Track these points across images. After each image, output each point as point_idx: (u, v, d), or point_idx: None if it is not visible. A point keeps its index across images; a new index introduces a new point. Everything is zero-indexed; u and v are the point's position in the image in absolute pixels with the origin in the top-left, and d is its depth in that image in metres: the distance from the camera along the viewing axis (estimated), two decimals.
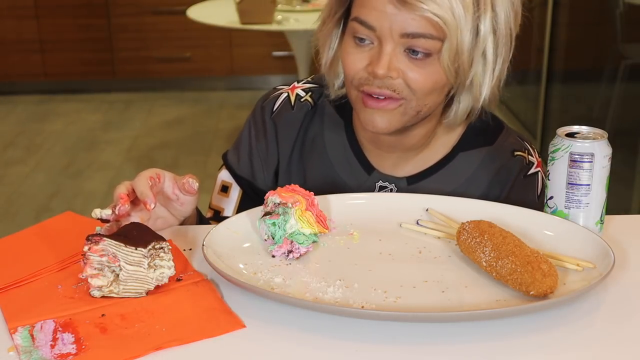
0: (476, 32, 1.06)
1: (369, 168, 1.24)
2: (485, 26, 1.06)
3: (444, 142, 1.23)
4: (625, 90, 3.42)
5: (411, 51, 1.07)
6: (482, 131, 1.23)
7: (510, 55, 1.13)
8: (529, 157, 1.23)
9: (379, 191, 1.24)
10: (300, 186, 1.17)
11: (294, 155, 1.28)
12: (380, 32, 1.06)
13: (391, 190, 1.23)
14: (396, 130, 1.13)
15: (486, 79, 1.10)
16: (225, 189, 1.31)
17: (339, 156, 1.25)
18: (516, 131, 1.27)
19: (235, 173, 1.31)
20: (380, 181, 1.24)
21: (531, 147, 1.25)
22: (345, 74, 1.13)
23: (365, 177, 1.24)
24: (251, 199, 1.29)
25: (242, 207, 1.29)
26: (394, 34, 1.06)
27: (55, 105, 5.10)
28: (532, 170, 1.22)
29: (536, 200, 1.21)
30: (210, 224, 1.25)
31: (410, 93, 1.09)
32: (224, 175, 1.32)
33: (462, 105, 1.14)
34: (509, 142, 1.23)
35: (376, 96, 1.10)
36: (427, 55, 1.06)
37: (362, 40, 1.09)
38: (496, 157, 1.22)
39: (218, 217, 1.30)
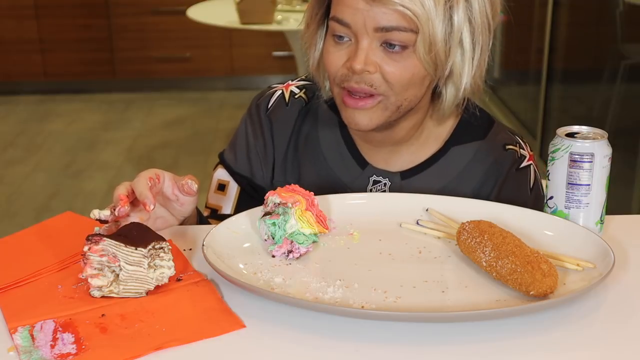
0: (450, 22, 1.08)
1: (362, 163, 1.25)
2: (459, 16, 1.08)
3: (435, 137, 1.24)
4: (625, 90, 3.42)
5: (388, 44, 1.08)
6: (473, 126, 1.24)
7: (490, 44, 1.14)
8: (521, 150, 1.24)
9: (372, 185, 1.24)
10: (296, 182, 1.18)
11: (289, 151, 1.29)
12: (355, 28, 1.08)
13: (385, 185, 1.24)
14: (379, 126, 1.14)
15: (465, 69, 1.12)
16: (222, 187, 1.31)
17: (332, 152, 1.26)
18: (506, 126, 1.28)
19: (232, 170, 1.31)
20: (374, 175, 1.24)
21: (522, 140, 1.26)
22: (328, 72, 1.15)
23: (359, 172, 1.25)
24: (250, 196, 1.29)
25: (240, 204, 1.29)
26: (368, 29, 1.07)
27: (55, 105, 5.10)
28: (524, 164, 1.23)
29: (529, 194, 1.22)
30: (210, 223, 1.25)
31: (388, 88, 1.10)
32: (220, 174, 1.32)
33: (449, 96, 1.16)
34: (500, 136, 1.24)
35: (356, 94, 1.11)
36: (404, 47, 1.08)
37: (340, 38, 1.11)
38: (488, 152, 1.23)
39: (216, 215, 1.31)
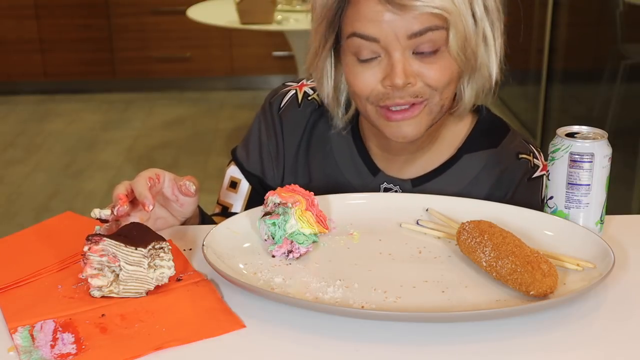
0: (473, 15, 1.07)
1: (374, 169, 1.24)
2: (479, 8, 1.07)
3: (449, 143, 1.23)
4: (625, 90, 3.42)
5: (419, 52, 1.06)
6: (487, 133, 1.23)
7: (502, 27, 1.13)
8: (534, 160, 1.22)
9: (383, 192, 1.23)
10: (306, 185, 1.17)
11: (300, 153, 1.28)
12: (384, 41, 1.05)
13: (396, 192, 1.23)
14: (426, 132, 1.13)
15: (492, 58, 1.11)
16: (234, 184, 1.31)
17: (344, 156, 1.25)
18: (522, 134, 1.27)
19: (244, 169, 1.31)
20: (385, 183, 1.23)
21: (537, 150, 1.24)
22: (357, 94, 1.11)
23: (370, 179, 1.24)
24: (260, 195, 1.28)
25: (251, 203, 1.29)
26: (400, 38, 1.05)
27: (55, 105, 5.10)
28: (536, 174, 1.21)
29: (539, 204, 1.20)
30: (214, 222, 1.24)
31: (432, 91, 1.09)
32: (233, 171, 1.32)
33: (468, 92, 1.15)
34: (514, 144, 1.23)
35: (399, 107, 1.09)
36: (436, 49, 1.06)
37: (365, 59, 1.08)
38: (500, 160, 1.21)
39: (226, 213, 1.30)
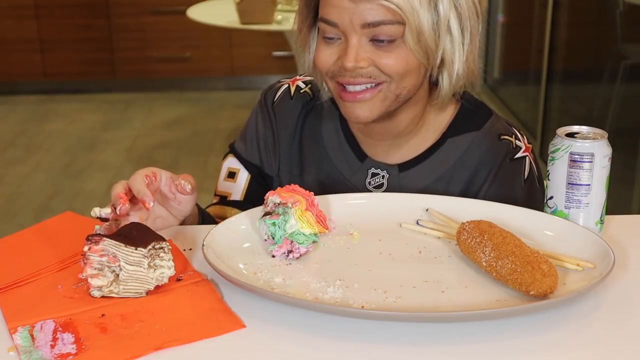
0: (436, 11, 1.10)
1: (361, 156, 1.27)
2: (444, 4, 1.10)
3: (434, 129, 1.26)
4: (625, 90, 3.42)
5: (376, 40, 1.10)
6: (470, 117, 1.26)
7: (480, 28, 1.16)
8: (516, 141, 1.24)
9: (371, 178, 1.26)
10: (299, 174, 1.18)
11: (294, 144, 1.31)
12: (342, 27, 1.11)
13: (383, 177, 1.25)
14: (378, 117, 1.16)
15: (456, 55, 1.14)
16: (232, 175, 1.34)
17: (333, 144, 1.29)
18: (505, 118, 1.29)
19: (243, 158, 1.34)
20: (373, 168, 1.26)
21: (519, 132, 1.27)
22: (319, 68, 1.17)
23: (358, 165, 1.27)
24: (259, 184, 1.33)
25: (250, 191, 1.32)
26: (355, 26, 1.10)
27: (55, 105, 5.10)
28: (518, 155, 1.24)
29: (522, 184, 1.23)
30: (214, 222, 1.25)
31: (387, 78, 1.13)
32: (231, 162, 1.35)
33: (445, 84, 1.17)
34: (496, 127, 1.25)
35: (352, 87, 1.13)
36: (392, 40, 1.10)
37: (330, 38, 1.13)
38: (483, 141, 1.24)
39: (225, 201, 1.33)
